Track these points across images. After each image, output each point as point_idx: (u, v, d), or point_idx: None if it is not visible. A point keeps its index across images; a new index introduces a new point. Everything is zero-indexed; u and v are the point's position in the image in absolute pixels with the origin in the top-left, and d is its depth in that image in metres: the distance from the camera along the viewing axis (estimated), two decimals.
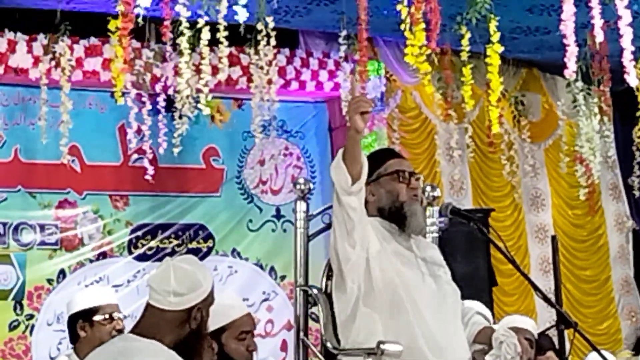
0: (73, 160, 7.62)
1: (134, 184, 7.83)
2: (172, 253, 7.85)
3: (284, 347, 8.21)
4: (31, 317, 7.49)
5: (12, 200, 7.53)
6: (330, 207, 3.72)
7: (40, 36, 7.22)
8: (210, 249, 8.18)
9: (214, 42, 6.49)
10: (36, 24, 7.22)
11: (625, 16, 5.66)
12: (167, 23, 6.23)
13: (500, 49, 6.82)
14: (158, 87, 7.48)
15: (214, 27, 6.38)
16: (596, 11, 5.74)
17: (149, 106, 7.48)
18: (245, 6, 6.12)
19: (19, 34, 7.19)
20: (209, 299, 3.05)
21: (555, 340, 6.30)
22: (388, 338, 3.44)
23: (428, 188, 4.05)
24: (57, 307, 7.34)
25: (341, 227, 3.55)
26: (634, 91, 7.63)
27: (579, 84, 8.11)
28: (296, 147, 8.65)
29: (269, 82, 7.49)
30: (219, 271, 8.06)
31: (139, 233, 7.94)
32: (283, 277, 8.36)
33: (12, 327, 7.43)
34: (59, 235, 7.66)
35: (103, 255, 7.80)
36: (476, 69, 7.38)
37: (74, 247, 7.71)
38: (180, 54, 6.53)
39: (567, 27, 5.78)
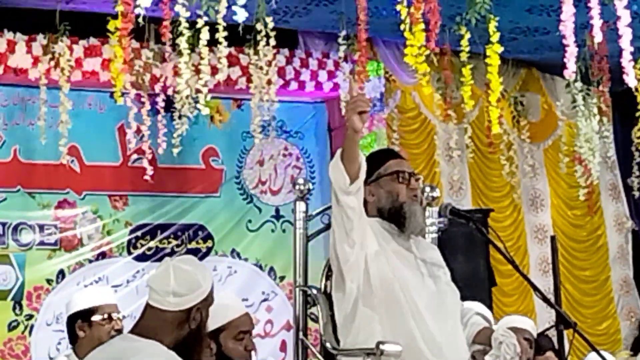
0: (72, 161, 7.62)
1: (133, 184, 7.83)
2: (172, 253, 7.84)
3: (283, 347, 8.21)
4: (30, 317, 7.49)
5: (11, 201, 7.53)
6: (330, 207, 3.72)
7: (40, 36, 7.21)
8: (209, 249, 8.18)
9: (213, 43, 6.49)
10: (35, 24, 7.21)
11: (625, 16, 5.66)
12: (166, 23, 6.22)
13: (500, 49, 6.83)
14: (157, 88, 7.47)
15: (213, 28, 6.37)
16: (595, 11, 5.74)
17: (148, 106, 7.47)
18: (244, 6, 6.12)
19: (18, 34, 7.18)
20: (209, 300, 3.05)
21: (555, 340, 6.30)
22: (387, 338, 3.44)
23: (427, 188, 4.05)
24: (57, 308, 7.34)
25: (340, 227, 3.55)
26: (633, 92, 7.63)
27: (579, 84, 8.12)
28: (295, 148, 8.65)
29: (269, 82, 7.49)
30: (218, 271, 8.06)
31: (139, 233, 7.93)
32: (282, 278, 8.35)
33: (12, 328, 7.43)
34: (58, 235, 7.66)
35: (102, 256, 7.80)
36: (475, 69, 7.37)
37: (73, 248, 7.71)
38: (180, 54, 6.53)
39: (567, 27, 5.78)
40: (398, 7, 6.04)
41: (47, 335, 7.45)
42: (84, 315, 4.34)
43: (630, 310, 9.97)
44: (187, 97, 6.73)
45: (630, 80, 5.74)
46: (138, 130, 7.47)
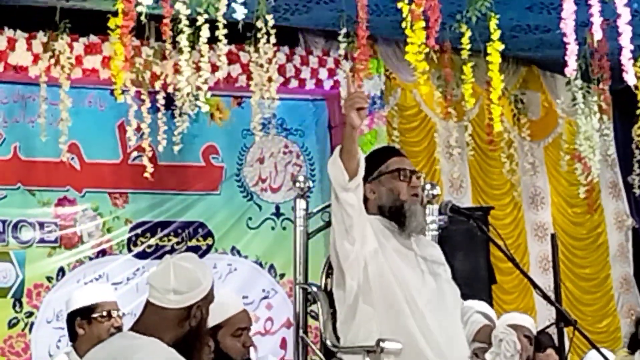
0: (72, 158, 7.61)
1: (134, 181, 7.82)
2: (172, 251, 7.84)
3: (283, 344, 8.21)
4: (30, 314, 7.48)
5: (11, 198, 7.52)
6: (330, 205, 3.71)
7: (40, 34, 7.21)
8: (209, 247, 8.18)
9: (213, 40, 6.49)
10: (36, 22, 7.21)
11: (625, 14, 5.67)
12: (166, 21, 6.22)
13: (501, 47, 6.82)
14: (158, 85, 7.46)
15: (213, 25, 6.37)
16: (596, 9, 5.74)
17: (148, 104, 7.46)
18: (244, 4, 6.12)
19: (18, 32, 7.18)
20: (209, 297, 3.05)
21: (555, 338, 6.30)
22: (387, 336, 3.44)
23: (428, 186, 4.05)
24: (57, 305, 7.33)
25: (340, 224, 3.55)
26: (633, 89, 7.63)
27: (579, 82, 8.11)
28: (296, 145, 8.65)
29: (269, 80, 7.48)
30: (218, 269, 8.05)
31: (139, 231, 7.93)
32: (282, 275, 8.35)
33: (12, 325, 7.43)
34: (59, 232, 7.65)
35: (102, 253, 7.79)
36: (476, 67, 7.37)
37: (74, 245, 7.70)
38: (180, 51, 6.53)
39: (567, 25, 5.79)
40: (399, 5, 6.04)
41: (47, 332, 7.45)
42: (84, 313, 4.34)
43: (631, 308, 9.96)
44: (187, 94, 6.73)
45: (630, 78, 5.75)
46: (138, 128, 7.46)
